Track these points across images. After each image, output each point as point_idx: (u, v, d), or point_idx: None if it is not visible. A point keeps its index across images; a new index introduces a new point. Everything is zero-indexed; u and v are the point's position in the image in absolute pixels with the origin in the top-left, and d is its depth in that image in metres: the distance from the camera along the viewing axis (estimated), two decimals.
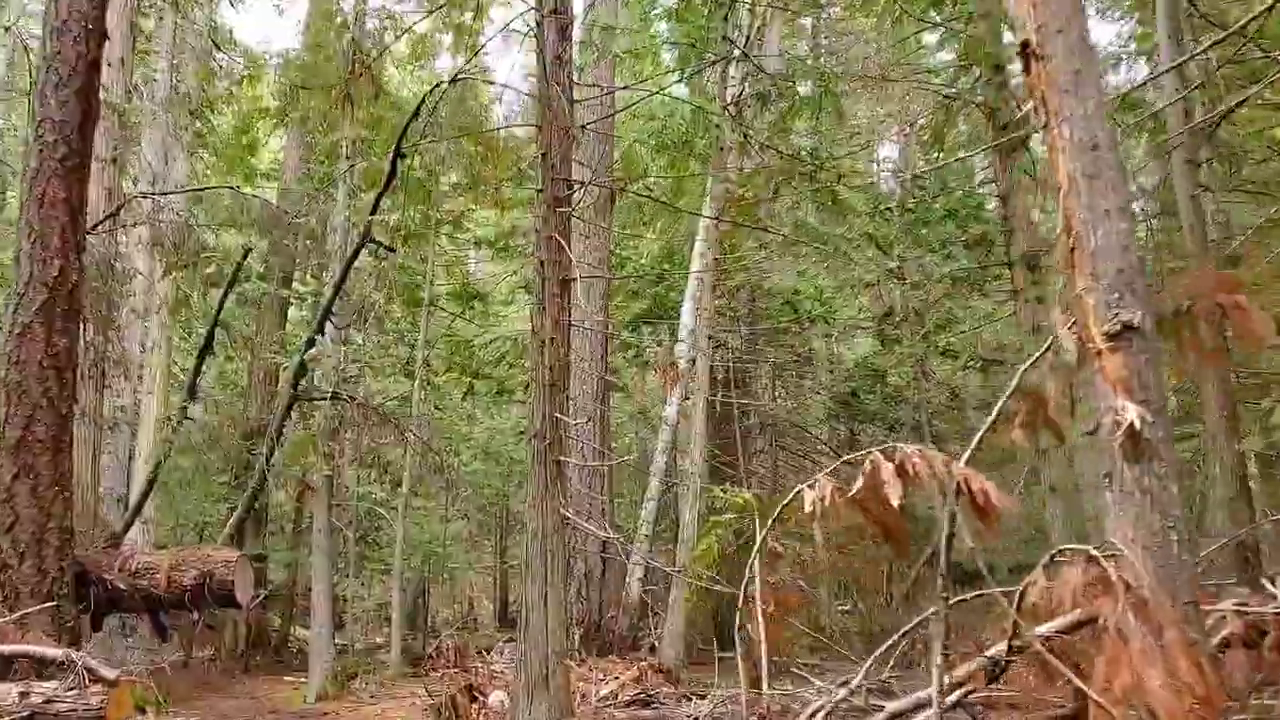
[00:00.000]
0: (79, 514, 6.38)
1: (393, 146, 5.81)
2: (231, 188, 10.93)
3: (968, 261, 14.03)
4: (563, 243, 7.16)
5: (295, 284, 19.74)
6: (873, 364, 17.08)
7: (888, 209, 14.43)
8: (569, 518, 7.04)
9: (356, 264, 8.05)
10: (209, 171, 16.93)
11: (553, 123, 7.26)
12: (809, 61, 13.94)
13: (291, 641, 20.11)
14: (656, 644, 11.58)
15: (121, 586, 5.65)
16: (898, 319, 15.54)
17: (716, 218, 11.89)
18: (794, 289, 15.76)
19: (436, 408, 18.14)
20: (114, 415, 10.08)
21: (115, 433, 10.29)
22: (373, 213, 5.88)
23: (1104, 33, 26.07)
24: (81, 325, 5.70)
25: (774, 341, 16.40)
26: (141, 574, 5.73)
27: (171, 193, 6.81)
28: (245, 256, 6.07)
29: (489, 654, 13.42)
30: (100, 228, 6.60)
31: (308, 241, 13.21)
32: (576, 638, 11.60)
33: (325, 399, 6.71)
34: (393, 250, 6.96)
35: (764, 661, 6.20)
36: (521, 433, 16.39)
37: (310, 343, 5.79)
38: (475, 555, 25.26)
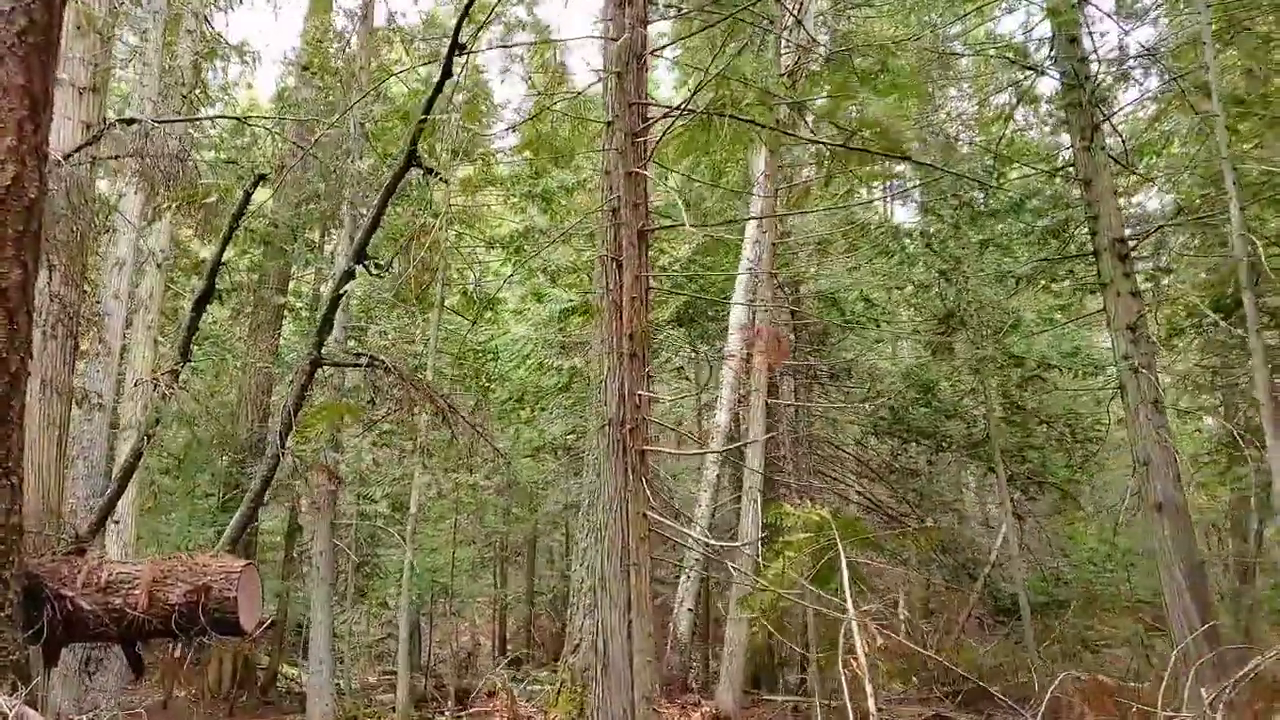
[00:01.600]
0: (34, 510, 4.92)
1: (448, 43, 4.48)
2: (239, 119, 9.53)
3: (1033, 256, 12.82)
4: (644, 179, 5.84)
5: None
6: (921, 374, 15.74)
7: (948, 199, 13.21)
8: (660, 521, 5.65)
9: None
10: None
11: (626, 40, 5.97)
12: (853, 36, 12.76)
13: (280, 680, 18.41)
14: (708, 684, 10.13)
15: (86, 606, 4.19)
16: (954, 322, 14.27)
17: (764, 216, 10.65)
18: (836, 291, 14.49)
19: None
20: (85, 388, 8.54)
21: (89, 412, 8.75)
22: (419, 129, 4.54)
23: None
24: (42, 261, 4.29)
25: (815, 347, 15.09)
26: (115, 589, 4.26)
27: (165, 121, 5.46)
28: (256, 184, 4.71)
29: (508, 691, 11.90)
30: (74, 157, 5.21)
31: (320, 187, 11.71)
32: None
33: (356, 364, 5.32)
34: (440, 176, 5.61)
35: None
36: (539, 449, 14.99)
37: (349, 274, 4.44)
38: (476, 586, 23.60)
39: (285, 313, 19.23)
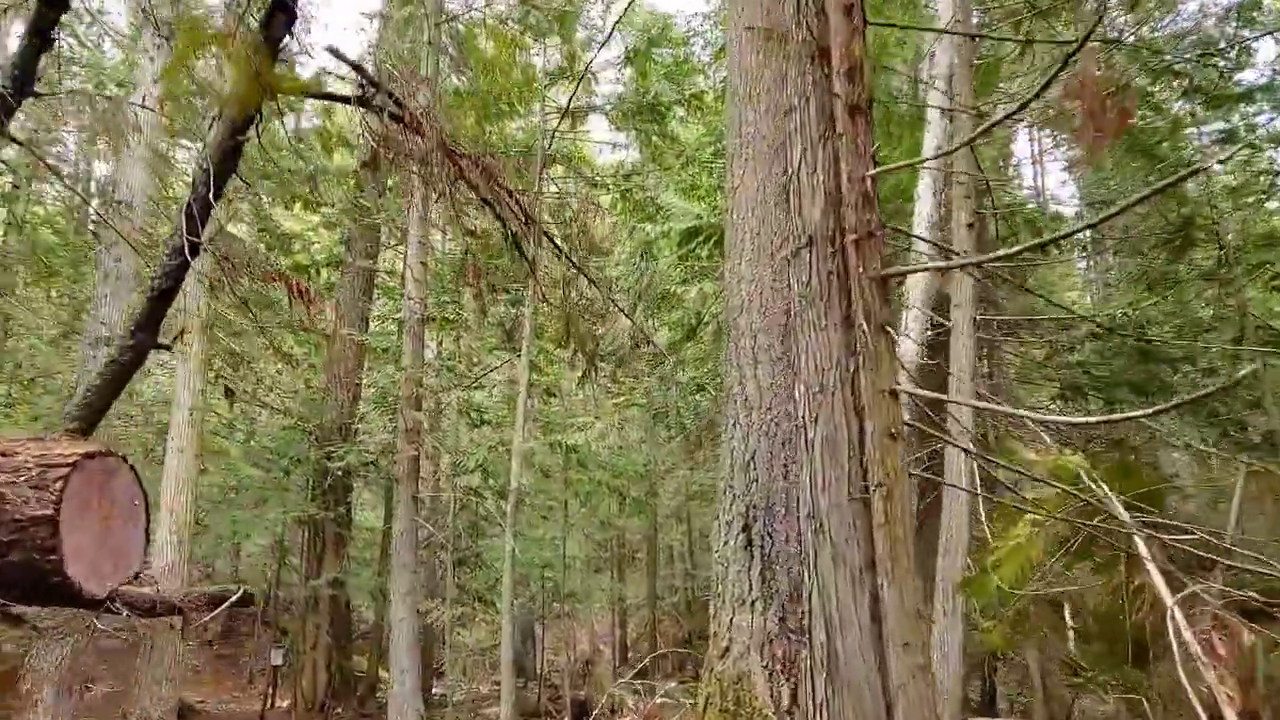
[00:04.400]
0: None
1: None
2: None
3: None
4: None
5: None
6: (1136, 311, 12.42)
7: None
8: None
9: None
10: None
11: None
12: None
13: (380, 689, 16.66)
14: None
15: None
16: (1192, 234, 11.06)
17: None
18: (1035, 205, 11.47)
19: (550, 393, 14.45)
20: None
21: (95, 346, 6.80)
22: None
23: None
24: None
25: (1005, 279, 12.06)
26: None
27: None
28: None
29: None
30: None
31: None
32: (788, 692, 7.53)
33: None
34: None
35: None
36: (662, 410, 12.47)
37: None
38: (594, 579, 21.20)
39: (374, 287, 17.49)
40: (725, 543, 8.60)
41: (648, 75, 11.74)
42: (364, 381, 14.85)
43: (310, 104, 17.60)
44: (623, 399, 13.64)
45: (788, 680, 8.16)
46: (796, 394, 3.48)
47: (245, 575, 25.18)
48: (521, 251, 4.63)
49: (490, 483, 13.52)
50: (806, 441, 3.12)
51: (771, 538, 8.44)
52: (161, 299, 3.18)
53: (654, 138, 12.04)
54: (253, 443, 15.42)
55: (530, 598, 18.04)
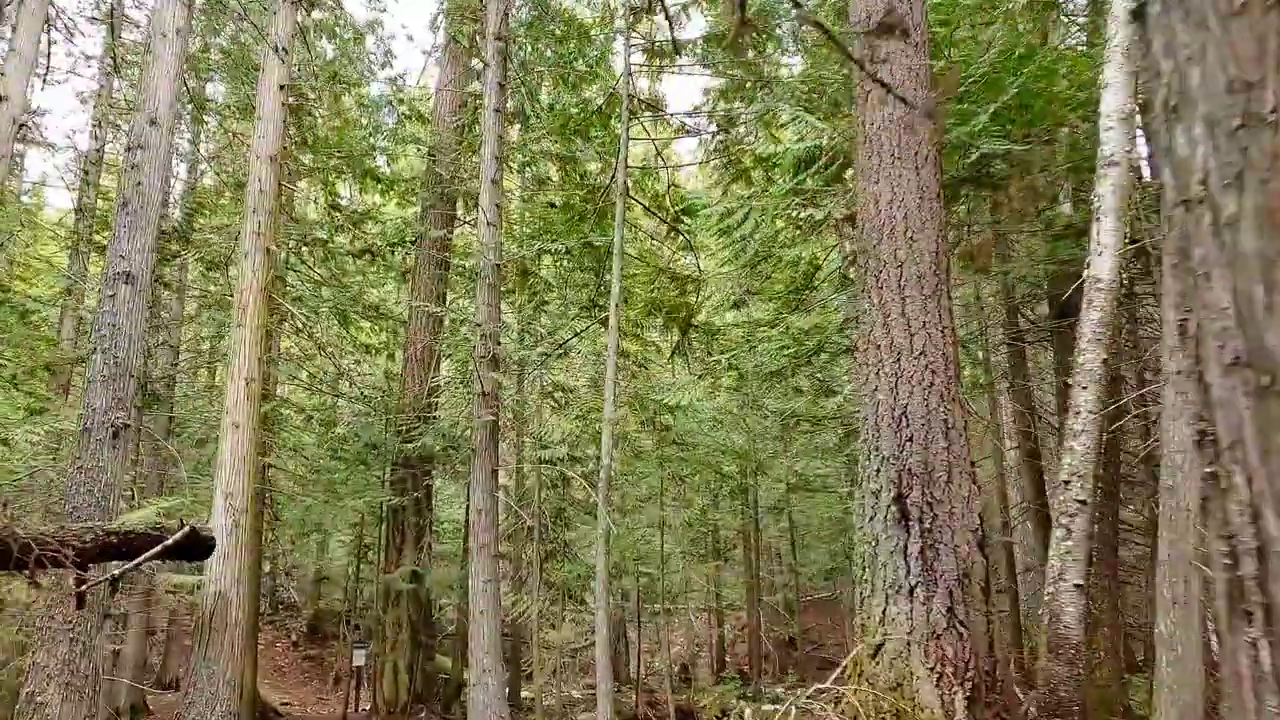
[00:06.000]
0: None
1: None
2: None
3: None
4: None
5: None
6: None
7: None
8: None
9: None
10: None
11: None
12: None
13: (467, 691, 15.56)
14: None
15: None
16: None
17: None
18: None
19: (639, 364, 12.97)
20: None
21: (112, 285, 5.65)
22: None
23: None
24: None
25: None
26: None
27: None
28: None
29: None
30: None
31: None
32: (961, 700, 5.97)
33: None
34: None
35: None
36: (776, 372, 10.84)
37: None
38: (699, 566, 19.63)
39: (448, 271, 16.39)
40: (872, 517, 6.92)
41: None
42: (442, 353, 13.70)
43: (381, 74, 16.66)
44: (720, 370, 12.10)
45: (961, 685, 6.41)
46: None
47: (330, 573, 24.60)
48: None
49: (578, 459, 12.16)
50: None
51: (932, 509, 6.68)
52: None
53: (753, 66, 10.49)
54: (327, 430, 14.49)
55: (624, 595, 16.67)
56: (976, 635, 6.35)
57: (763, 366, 10.12)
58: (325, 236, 15.38)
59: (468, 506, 15.92)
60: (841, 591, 22.69)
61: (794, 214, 8.02)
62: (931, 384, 6.82)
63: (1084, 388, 6.24)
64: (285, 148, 9.64)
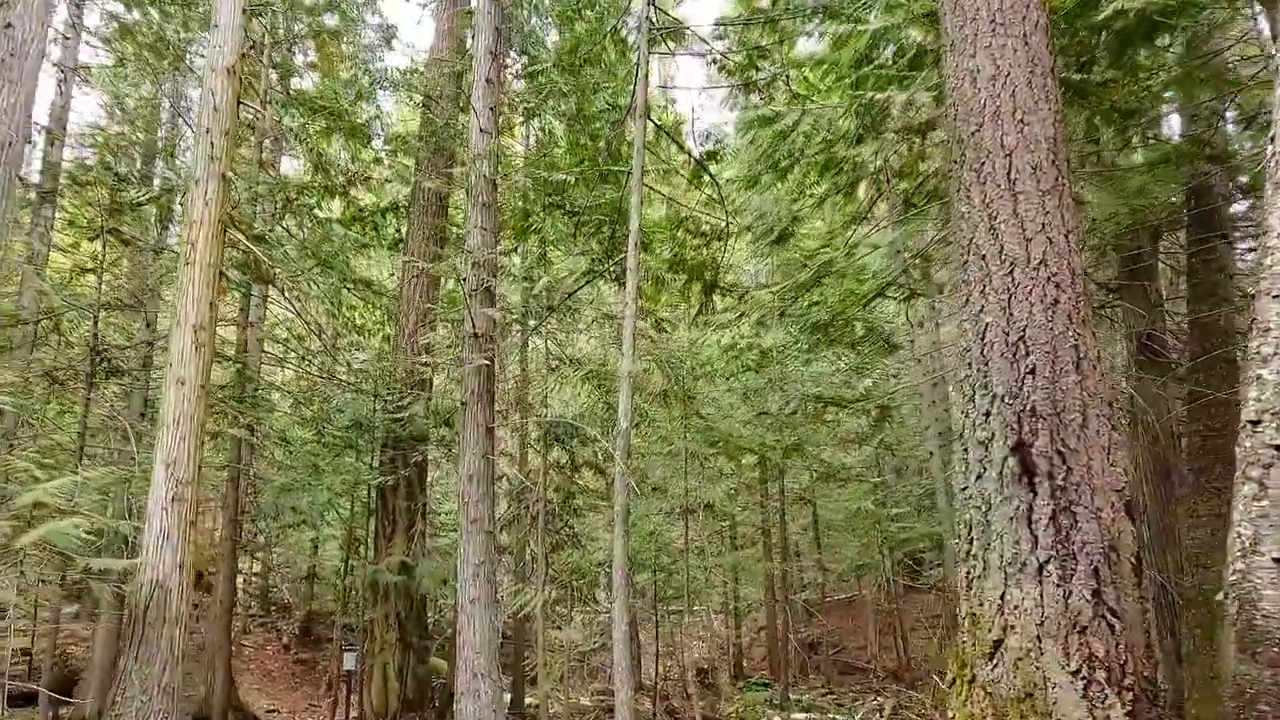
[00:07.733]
0: None
1: None
2: None
3: None
4: None
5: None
6: None
7: None
8: None
9: None
10: None
11: None
12: None
13: (460, 698, 14.02)
14: None
15: None
16: None
17: None
18: None
19: (659, 327, 11.45)
20: None
21: None
22: None
23: None
24: None
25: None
26: None
27: None
28: None
29: None
30: None
31: None
32: (1120, 715, 4.44)
33: None
34: None
35: None
36: (818, 332, 9.31)
37: None
38: (699, 582, 18.08)
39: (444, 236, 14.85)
40: (980, 474, 5.15)
41: None
42: (439, 316, 12.12)
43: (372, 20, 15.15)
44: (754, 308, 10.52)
45: (1119, 694, 4.85)
46: None
47: (324, 572, 23.10)
48: None
49: (586, 441, 10.61)
50: None
51: (1065, 460, 5.02)
52: None
53: None
54: (308, 405, 12.98)
55: (640, 591, 15.13)
56: (1132, 628, 4.76)
57: (808, 316, 8.53)
58: (313, 201, 13.92)
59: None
60: (866, 592, 21.13)
61: (858, 109, 6.44)
62: (1057, 301, 5.25)
63: (1276, 297, 4.58)
64: (245, 56, 8.14)
